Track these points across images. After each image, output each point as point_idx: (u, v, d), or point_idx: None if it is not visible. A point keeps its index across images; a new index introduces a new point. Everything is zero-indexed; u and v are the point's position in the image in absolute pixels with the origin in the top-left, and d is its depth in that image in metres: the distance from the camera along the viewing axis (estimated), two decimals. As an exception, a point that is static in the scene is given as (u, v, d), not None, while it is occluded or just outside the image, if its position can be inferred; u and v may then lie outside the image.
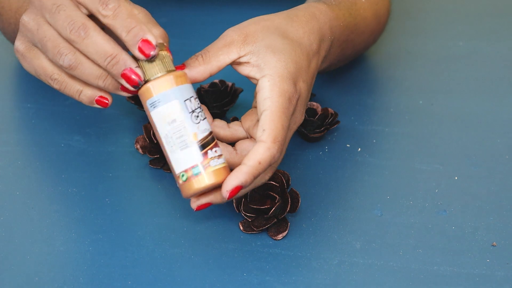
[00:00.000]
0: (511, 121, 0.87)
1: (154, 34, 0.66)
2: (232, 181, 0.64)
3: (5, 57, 0.95)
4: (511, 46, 1.00)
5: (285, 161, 0.79)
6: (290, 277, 0.68)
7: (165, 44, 0.66)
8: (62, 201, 0.76)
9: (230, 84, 0.85)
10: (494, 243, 0.71)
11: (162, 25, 0.69)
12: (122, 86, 0.66)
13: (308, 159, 0.81)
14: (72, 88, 0.67)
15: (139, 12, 0.66)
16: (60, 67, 0.65)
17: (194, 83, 0.68)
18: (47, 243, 0.71)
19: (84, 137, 0.83)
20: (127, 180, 0.78)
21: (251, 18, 0.70)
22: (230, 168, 0.67)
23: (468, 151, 0.82)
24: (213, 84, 0.84)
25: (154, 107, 0.65)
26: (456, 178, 0.78)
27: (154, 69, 0.64)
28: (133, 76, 0.64)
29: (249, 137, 0.70)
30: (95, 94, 0.67)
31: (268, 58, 0.67)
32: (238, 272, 0.68)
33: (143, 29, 0.63)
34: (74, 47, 0.64)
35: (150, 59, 0.64)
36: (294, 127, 0.69)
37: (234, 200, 0.72)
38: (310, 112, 0.82)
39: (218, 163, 0.65)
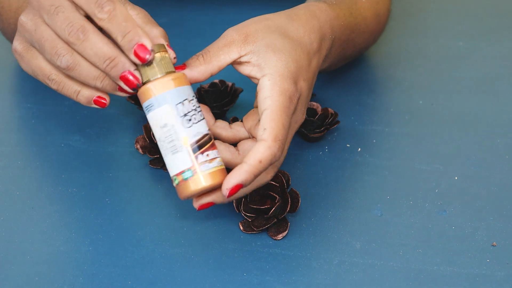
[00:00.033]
0: (511, 121, 0.87)
1: (153, 34, 0.66)
2: (233, 180, 0.64)
3: (5, 57, 0.95)
4: (511, 46, 1.00)
5: (285, 161, 0.79)
6: (290, 277, 0.68)
7: (166, 43, 0.66)
8: (62, 201, 0.76)
9: (230, 84, 0.85)
10: (494, 243, 0.71)
11: (162, 25, 0.69)
12: (119, 87, 0.66)
13: (308, 159, 0.81)
14: (70, 88, 0.67)
15: (138, 13, 0.66)
16: (58, 68, 0.65)
17: (195, 83, 0.68)
18: (47, 243, 0.71)
19: (84, 137, 0.83)
20: (127, 180, 0.78)
21: (251, 18, 0.70)
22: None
23: (468, 151, 0.82)
24: (213, 84, 0.84)
25: (148, 111, 0.65)
26: (456, 178, 0.78)
27: (151, 71, 0.64)
28: (132, 78, 0.64)
29: (251, 137, 0.70)
30: (93, 94, 0.67)
31: (269, 58, 0.67)
32: (238, 272, 0.68)
33: (139, 34, 0.63)
34: (73, 48, 0.64)
35: (146, 63, 0.64)
36: (296, 126, 0.69)
37: (234, 200, 0.72)
38: (310, 112, 0.82)
39: (210, 167, 0.64)
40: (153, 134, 0.78)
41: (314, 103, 0.83)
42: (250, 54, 0.68)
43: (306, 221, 0.73)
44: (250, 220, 0.72)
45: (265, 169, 0.65)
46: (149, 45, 0.63)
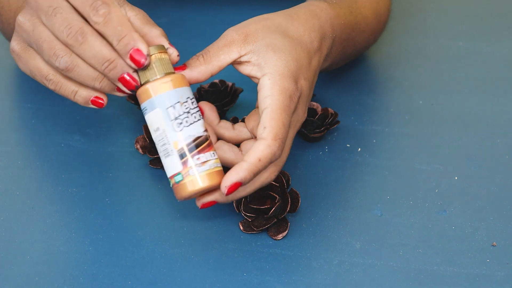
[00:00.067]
0: (511, 121, 0.87)
1: (153, 34, 0.66)
2: (231, 177, 0.64)
3: (5, 57, 0.95)
4: (511, 46, 1.00)
5: (285, 161, 0.79)
6: (290, 277, 0.68)
7: (167, 42, 0.66)
8: (62, 201, 0.76)
9: (230, 84, 0.85)
10: (494, 243, 0.71)
11: (162, 25, 0.69)
12: (118, 87, 0.66)
13: (308, 159, 0.81)
14: (67, 88, 0.67)
15: (137, 14, 0.66)
16: (56, 69, 0.65)
17: (195, 83, 0.68)
18: (47, 243, 0.71)
19: (84, 137, 0.83)
20: (127, 180, 0.78)
21: (251, 18, 0.70)
22: None
23: (468, 151, 0.82)
24: (213, 84, 0.84)
25: (144, 113, 0.66)
26: (456, 178, 0.78)
27: (149, 72, 0.65)
28: (130, 80, 0.64)
29: (254, 137, 0.70)
30: (90, 94, 0.67)
31: (269, 57, 0.67)
32: (238, 272, 0.68)
33: (134, 38, 0.63)
34: (71, 50, 0.64)
35: (143, 68, 0.64)
36: (298, 125, 0.69)
37: (234, 200, 0.72)
38: (310, 112, 0.82)
39: (204, 169, 0.64)
40: (152, 134, 0.78)
41: (314, 103, 0.83)
42: (250, 54, 0.68)
43: (306, 221, 0.73)
44: (250, 220, 0.72)
45: (264, 167, 0.65)
46: (145, 50, 0.63)
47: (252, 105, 0.81)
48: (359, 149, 0.82)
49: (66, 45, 0.64)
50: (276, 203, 0.71)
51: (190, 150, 0.64)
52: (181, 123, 0.64)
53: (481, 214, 0.74)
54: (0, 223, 0.73)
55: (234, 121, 0.77)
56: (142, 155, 0.80)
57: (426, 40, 1.01)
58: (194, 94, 0.82)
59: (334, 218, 0.74)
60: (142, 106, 0.65)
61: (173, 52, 0.66)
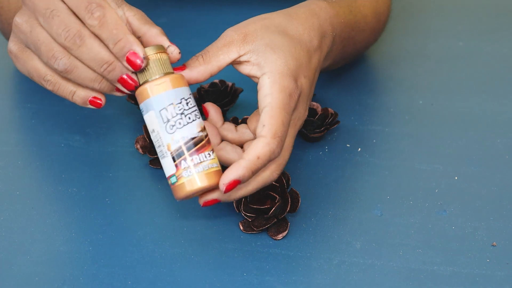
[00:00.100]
0: (511, 121, 0.87)
1: (152, 33, 0.66)
2: (230, 175, 0.64)
3: (5, 57, 0.95)
4: (511, 46, 1.00)
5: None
6: (290, 277, 0.68)
7: (167, 40, 0.66)
8: (62, 201, 0.76)
9: (230, 84, 0.85)
10: (494, 243, 0.71)
11: (162, 25, 0.69)
12: (117, 88, 0.66)
13: (308, 159, 0.81)
14: (65, 89, 0.67)
15: (135, 14, 0.66)
16: (55, 71, 0.65)
17: (195, 84, 0.68)
18: (47, 243, 0.71)
19: (84, 137, 0.83)
20: (127, 180, 0.78)
21: (250, 18, 0.70)
22: None
23: (468, 151, 0.82)
24: (213, 84, 0.84)
25: (142, 114, 0.66)
26: (456, 178, 0.78)
27: (147, 73, 0.65)
28: (129, 80, 0.64)
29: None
30: (88, 95, 0.67)
31: (268, 56, 0.67)
32: (238, 272, 0.68)
33: (130, 41, 0.63)
34: (69, 52, 0.64)
35: (140, 70, 0.64)
36: (299, 123, 0.69)
37: (234, 200, 0.72)
38: (310, 112, 0.82)
39: (199, 170, 0.64)
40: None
41: (314, 103, 0.83)
42: (249, 53, 0.68)
43: (306, 221, 0.73)
44: (250, 220, 0.72)
45: (263, 165, 0.65)
46: (141, 52, 0.63)
47: (252, 105, 0.81)
48: (359, 149, 0.82)
49: (64, 48, 0.64)
50: (276, 203, 0.71)
51: (183, 152, 0.64)
52: (173, 126, 0.64)
53: (481, 214, 0.74)
54: (0, 223, 0.73)
55: (234, 121, 0.77)
56: (142, 155, 0.80)
57: (426, 40, 1.01)
58: (194, 94, 0.83)
59: (334, 218, 0.74)
60: (140, 106, 0.65)
61: (174, 50, 0.66)
